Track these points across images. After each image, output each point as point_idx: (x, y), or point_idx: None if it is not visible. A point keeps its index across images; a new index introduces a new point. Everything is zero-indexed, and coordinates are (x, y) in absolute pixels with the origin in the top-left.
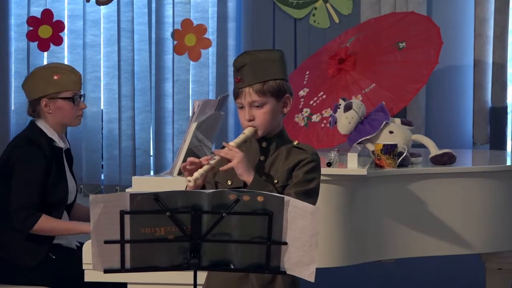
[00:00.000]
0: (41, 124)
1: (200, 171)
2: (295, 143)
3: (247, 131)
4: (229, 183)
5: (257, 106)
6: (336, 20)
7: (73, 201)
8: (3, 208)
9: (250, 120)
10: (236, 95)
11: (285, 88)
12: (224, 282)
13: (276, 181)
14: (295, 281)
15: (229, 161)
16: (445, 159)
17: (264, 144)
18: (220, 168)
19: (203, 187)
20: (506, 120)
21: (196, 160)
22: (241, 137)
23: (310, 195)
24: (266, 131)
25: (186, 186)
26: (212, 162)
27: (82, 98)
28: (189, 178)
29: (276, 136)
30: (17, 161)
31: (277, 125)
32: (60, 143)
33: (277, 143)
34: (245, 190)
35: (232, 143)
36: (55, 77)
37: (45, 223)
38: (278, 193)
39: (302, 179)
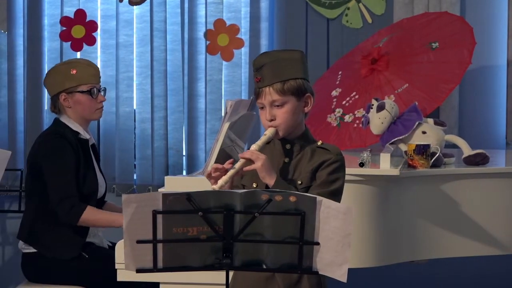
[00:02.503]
0: (64, 119)
1: (225, 178)
2: (319, 143)
3: (268, 132)
4: (255, 186)
5: (278, 106)
6: (369, 20)
7: (103, 197)
8: (37, 205)
9: (271, 120)
10: (257, 95)
11: (305, 87)
12: (250, 282)
13: (300, 182)
14: (321, 281)
15: (253, 162)
16: (478, 160)
17: (288, 146)
18: (244, 168)
19: None
20: None
21: (220, 166)
22: (263, 138)
23: (334, 196)
24: (287, 131)
25: None
26: (236, 166)
27: (103, 92)
28: (213, 186)
29: (299, 138)
30: (46, 155)
31: (299, 125)
32: (86, 135)
33: (301, 144)
34: (277, 190)
35: (254, 146)
36: (73, 72)
37: (90, 214)
38: None
39: (325, 180)
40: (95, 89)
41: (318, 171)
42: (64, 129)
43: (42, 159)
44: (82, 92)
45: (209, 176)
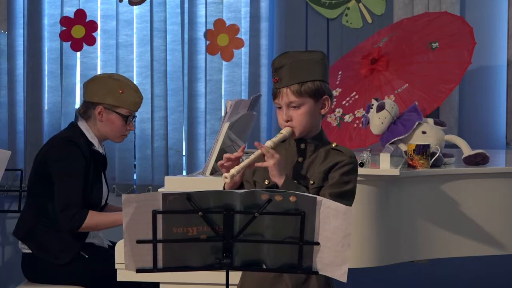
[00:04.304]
0: (83, 126)
1: (237, 168)
2: (333, 145)
3: (285, 131)
4: (266, 183)
5: (294, 107)
6: (369, 20)
7: (104, 204)
8: (38, 207)
9: (287, 121)
10: (274, 95)
11: (323, 89)
12: (258, 281)
13: (312, 182)
14: (329, 281)
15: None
16: (478, 160)
17: (302, 146)
18: (256, 164)
19: (241, 185)
20: None
21: (232, 156)
22: (278, 136)
23: (345, 197)
24: (303, 132)
25: (224, 183)
26: (250, 158)
27: (133, 119)
28: (225, 174)
29: (314, 138)
30: (56, 160)
31: (315, 126)
32: (99, 148)
33: (316, 145)
34: (277, 190)
35: (269, 142)
36: (119, 91)
37: (92, 219)
38: (314, 194)
39: (337, 181)
40: (131, 116)
41: (331, 172)
42: (80, 137)
43: (52, 162)
44: (119, 114)
45: (221, 166)
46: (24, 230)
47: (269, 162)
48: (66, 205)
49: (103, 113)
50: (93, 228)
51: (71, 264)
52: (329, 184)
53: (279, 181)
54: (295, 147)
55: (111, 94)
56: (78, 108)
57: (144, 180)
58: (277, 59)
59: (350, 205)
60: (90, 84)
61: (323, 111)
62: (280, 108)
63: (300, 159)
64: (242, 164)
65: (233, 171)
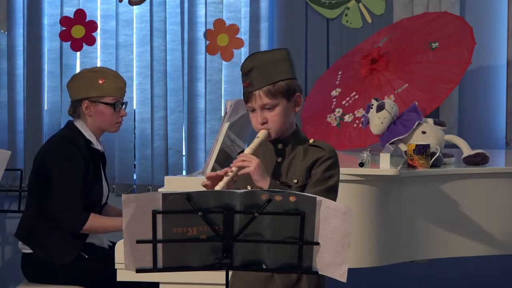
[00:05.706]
0: (79, 125)
1: (221, 184)
2: (311, 141)
3: (261, 134)
4: (249, 188)
5: (269, 109)
6: (369, 20)
7: (105, 202)
8: (38, 207)
9: (263, 123)
10: (247, 99)
11: (294, 87)
12: (249, 282)
13: (295, 180)
14: (321, 282)
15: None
16: (478, 160)
17: (280, 146)
18: (239, 173)
19: None
20: None
21: (213, 174)
22: (255, 141)
23: (329, 192)
24: (279, 133)
25: None
26: (230, 174)
27: (124, 106)
28: None
29: (291, 136)
30: (56, 160)
31: (290, 125)
32: (98, 146)
33: (293, 143)
34: (277, 190)
35: (248, 149)
36: (100, 81)
37: (95, 222)
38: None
39: (321, 177)
40: (119, 103)
41: (313, 168)
42: (78, 136)
43: (52, 163)
44: (106, 103)
45: (206, 187)
46: (25, 231)
47: (249, 168)
48: (67, 207)
49: (90, 107)
50: (95, 231)
51: (71, 264)
52: (312, 182)
53: (264, 185)
54: (273, 148)
55: (93, 87)
56: (68, 109)
57: (144, 180)
58: (245, 63)
59: (334, 199)
60: (71, 83)
61: (297, 109)
62: (253, 111)
63: (279, 160)
64: (224, 180)
65: (217, 188)
